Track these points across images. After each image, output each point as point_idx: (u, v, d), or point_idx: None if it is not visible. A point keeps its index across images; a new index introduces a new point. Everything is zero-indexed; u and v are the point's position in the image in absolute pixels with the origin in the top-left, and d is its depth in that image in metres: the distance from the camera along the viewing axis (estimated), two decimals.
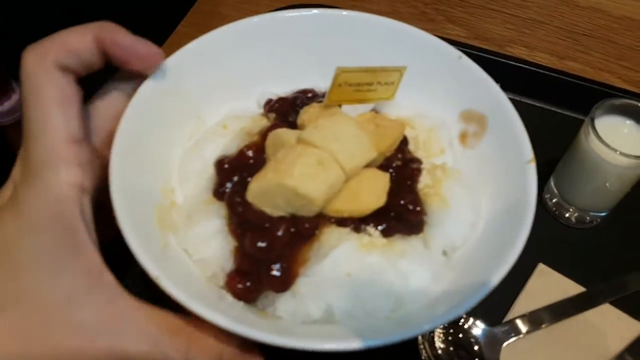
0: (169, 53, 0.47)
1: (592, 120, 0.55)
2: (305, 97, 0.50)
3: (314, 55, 0.53)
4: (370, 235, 0.42)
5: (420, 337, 0.52)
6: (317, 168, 0.39)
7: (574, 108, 0.71)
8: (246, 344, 0.39)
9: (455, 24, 0.91)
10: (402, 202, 0.43)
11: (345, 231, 0.41)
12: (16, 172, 0.38)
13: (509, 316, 0.57)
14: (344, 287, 0.40)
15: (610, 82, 0.79)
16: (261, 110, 0.52)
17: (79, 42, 0.38)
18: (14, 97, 0.68)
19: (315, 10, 0.52)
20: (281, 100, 0.50)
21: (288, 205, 0.40)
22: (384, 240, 0.42)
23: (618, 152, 0.53)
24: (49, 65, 0.37)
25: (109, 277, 0.37)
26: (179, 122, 0.49)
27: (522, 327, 0.55)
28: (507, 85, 0.74)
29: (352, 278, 0.40)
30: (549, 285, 0.59)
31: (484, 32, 0.89)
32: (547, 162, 0.66)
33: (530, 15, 0.89)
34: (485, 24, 0.90)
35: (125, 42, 0.40)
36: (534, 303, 0.57)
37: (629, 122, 0.58)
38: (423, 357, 0.51)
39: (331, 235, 0.40)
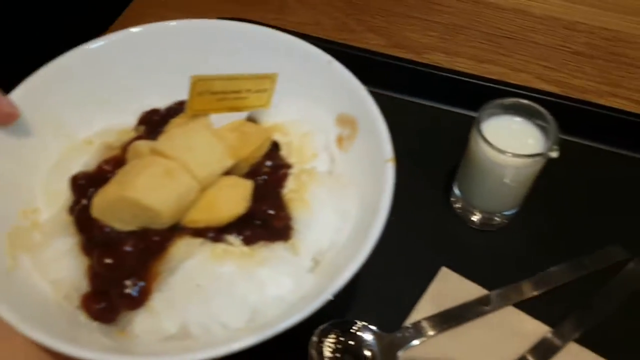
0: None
1: (479, 123, 0.55)
2: (179, 109, 0.50)
3: (192, 66, 0.52)
4: (231, 244, 0.41)
5: (309, 348, 0.50)
6: (164, 179, 0.38)
7: (472, 108, 0.71)
8: None
9: (375, 33, 0.92)
10: (264, 207, 0.42)
11: (197, 242, 0.40)
12: None
13: (409, 321, 0.56)
14: (196, 300, 0.39)
15: (528, 82, 0.80)
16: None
17: None
18: None
19: (184, 22, 0.52)
20: (153, 111, 0.49)
21: (136, 219, 0.39)
22: (245, 249, 0.41)
23: (509, 154, 0.53)
24: None
25: None
26: (44, 143, 0.47)
27: (422, 331, 0.54)
28: (411, 88, 0.75)
29: (203, 290, 0.39)
30: (451, 288, 0.58)
31: (403, 39, 0.90)
32: (453, 167, 0.66)
33: (452, 20, 0.89)
34: (405, 32, 0.90)
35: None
36: (435, 307, 0.56)
37: (518, 119, 0.58)
38: None
39: (180, 247, 0.39)
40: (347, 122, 0.49)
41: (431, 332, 0.54)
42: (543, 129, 0.56)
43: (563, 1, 0.92)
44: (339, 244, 0.43)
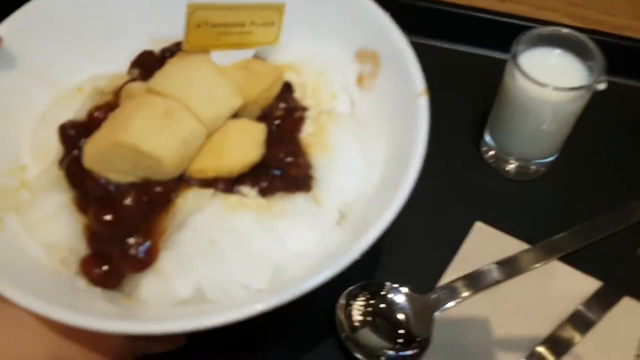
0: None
1: (515, 56, 0.49)
2: (175, 49, 0.44)
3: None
4: (245, 196, 0.36)
5: (337, 311, 0.46)
6: (163, 120, 0.33)
7: (500, 49, 0.64)
8: None
9: None
10: (280, 154, 0.37)
11: (207, 192, 0.35)
12: None
13: (443, 281, 0.51)
14: (210, 258, 0.34)
15: (557, 21, 0.73)
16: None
17: None
18: None
19: None
20: (146, 52, 0.43)
21: (135, 168, 0.34)
22: (262, 201, 0.36)
23: (551, 87, 0.47)
24: None
25: None
26: (30, 94, 0.42)
27: (458, 291, 0.49)
28: (437, 32, 0.69)
29: (217, 246, 0.34)
30: (487, 244, 0.53)
31: None
32: (482, 113, 0.60)
33: None
34: None
35: None
36: (471, 265, 0.51)
37: (557, 52, 0.51)
38: (339, 331, 0.45)
39: (187, 199, 0.34)
40: (368, 57, 0.43)
41: (468, 292, 0.49)
42: (585, 61, 0.50)
43: None
44: (367, 195, 0.38)
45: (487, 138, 0.58)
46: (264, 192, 0.37)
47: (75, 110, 0.40)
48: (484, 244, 0.54)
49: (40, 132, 0.41)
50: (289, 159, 0.36)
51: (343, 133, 0.38)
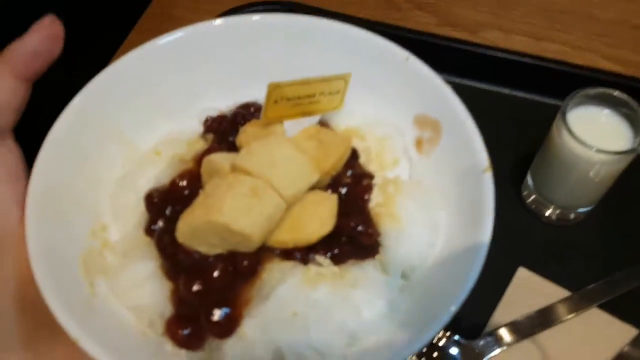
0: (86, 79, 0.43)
1: (564, 114, 0.51)
2: (246, 113, 0.47)
3: (254, 64, 0.49)
4: (320, 264, 0.39)
5: None
6: (251, 200, 0.36)
7: (553, 95, 0.67)
8: None
9: (423, 11, 0.87)
10: (352, 224, 0.39)
11: (289, 265, 0.37)
12: None
13: (489, 327, 0.53)
14: (292, 327, 0.36)
15: (593, 62, 0.75)
16: (202, 129, 0.48)
17: (5, 92, 0.36)
18: None
19: (250, 16, 0.48)
20: (220, 118, 0.46)
21: (224, 242, 0.36)
22: (335, 269, 0.39)
23: (594, 150, 0.49)
24: None
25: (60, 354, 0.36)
26: (107, 152, 0.44)
27: (504, 338, 0.52)
28: (481, 75, 0.71)
29: (300, 318, 0.36)
30: (530, 290, 0.56)
31: (454, 17, 0.85)
32: (524, 156, 0.62)
33: None
34: (455, 8, 0.85)
35: (35, 46, 0.36)
36: (515, 311, 0.54)
37: (605, 112, 0.54)
38: None
39: (273, 271, 0.37)
40: (427, 124, 0.45)
41: (513, 339, 0.52)
42: (632, 123, 0.52)
43: None
44: (430, 260, 0.40)
45: (529, 182, 0.61)
46: (336, 260, 0.39)
47: (155, 175, 0.43)
48: (527, 290, 0.56)
49: (119, 192, 0.43)
50: (361, 228, 0.39)
51: (410, 202, 0.41)
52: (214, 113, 0.48)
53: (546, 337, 0.53)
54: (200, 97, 0.49)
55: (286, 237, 0.37)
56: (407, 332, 0.36)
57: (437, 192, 0.43)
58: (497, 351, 0.51)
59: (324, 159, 0.40)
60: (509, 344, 0.52)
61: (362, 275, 0.39)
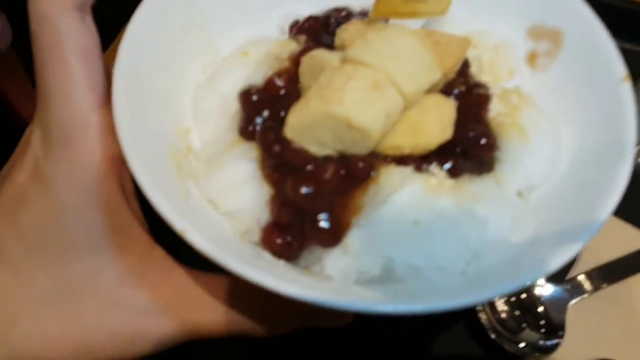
0: None
1: None
2: (339, 16, 0.42)
3: None
4: (434, 175, 0.35)
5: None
6: (372, 93, 0.32)
7: None
8: None
9: None
10: (470, 134, 0.35)
11: (408, 171, 0.34)
12: (35, 142, 0.33)
13: (574, 272, 0.50)
14: (409, 238, 0.33)
15: None
16: (286, 36, 0.43)
17: None
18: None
19: None
20: (312, 19, 0.41)
21: (336, 141, 0.32)
22: (451, 182, 0.35)
23: None
24: (67, 8, 0.31)
25: (158, 252, 0.34)
26: (188, 51, 0.40)
27: (589, 284, 0.49)
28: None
29: (420, 227, 0.33)
30: (617, 236, 0.52)
31: None
32: None
33: None
34: None
35: None
36: (601, 256, 0.51)
37: None
38: (483, 322, 0.45)
39: (391, 176, 0.33)
40: (545, 35, 0.41)
41: (598, 286, 0.49)
42: None
43: None
44: (554, 182, 0.37)
45: None
46: (451, 173, 0.35)
47: (245, 74, 0.39)
48: (611, 236, 0.53)
49: (204, 94, 0.39)
50: (483, 141, 0.35)
51: (538, 115, 0.37)
52: (299, 18, 0.43)
53: (631, 284, 0.50)
54: (280, 3, 0.44)
55: (404, 140, 0.33)
56: (532, 257, 0.32)
57: (559, 109, 0.39)
58: (580, 297, 0.48)
59: (441, 58, 0.36)
60: (592, 291, 0.49)
61: (485, 191, 0.35)
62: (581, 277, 0.49)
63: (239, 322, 0.34)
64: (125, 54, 0.34)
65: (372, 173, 0.33)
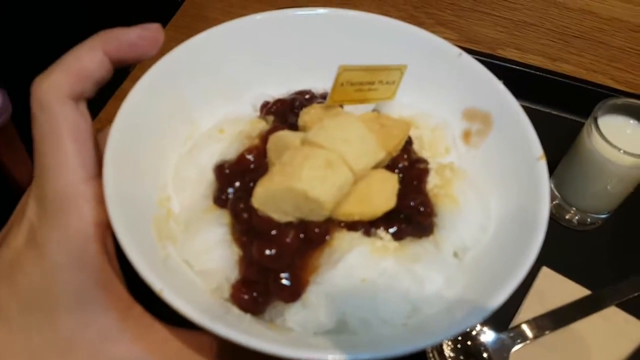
0: (155, 57, 0.45)
1: (596, 119, 0.55)
2: (303, 99, 0.49)
3: (308, 56, 0.51)
4: (381, 238, 0.41)
5: (430, 347, 0.50)
6: (326, 170, 0.38)
7: (571, 110, 0.71)
8: None
9: (445, 27, 0.91)
10: (412, 203, 0.41)
11: (357, 235, 0.39)
12: (30, 210, 0.37)
13: (516, 321, 0.56)
14: (359, 294, 0.38)
15: (604, 83, 0.80)
16: (257, 114, 0.50)
17: (92, 63, 0.37)
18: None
19: (307, 10, 0.51)
20: (279, 102, 0.48)
21: (296, 210, 0.38)
22: (395, 244, 0.41)
23: (622, 151, 0.53)
24: (64, 97, 0.36)
25: (138, 309, 0.37)
26: (172, 128, 0.46)
27: (529, 332, 0.54)
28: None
29: (367, 284, 0.38)
30: (553, 288, 0.59)
31: (474, 34, 0.89)
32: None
33: (520, 17, 0.89)
34: (475, 27, 0.90)
35: (134, 39, 0.39)
36: (539, 307, 0.57)
37: (632, 122, 0.58)
38: None
39: (343, 240, 0.39)
40: (477, 117, 0.48)
41: (538, 333, 0.54)
42: None
43: (628, 4, 0.92)
44: (483, 244, 0.43)
45: (552, 189, 0.64)
46: (395, 236, 0.41)
47: (220, 149, 0.45)
48: (550, 288, 0.59)
49: (184, 166, 0.45)
50: (422, 208, 0.41)
51: (466, 187, 0.43)
52: (268, 99, 0.50)
53: (567, 332, 0.56)
54: (253, 85, 0.51)
55: (353, 209, 0.39)
56: (464, 308, 0.38)
57: (487, 180, 0.45)
58: (522, 345, 0.53)
59: (387, 139, 0.42)
60: (532, 338, 0.54)
61: (422, 251, 0.41)
62: (523, 326, 0.54)
63: None
64: (115, 134, 0.39)
65: (327, 237, 0.39)
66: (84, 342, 0.35)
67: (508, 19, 0.91)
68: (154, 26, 0.40)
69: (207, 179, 0.44)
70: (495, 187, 0.45)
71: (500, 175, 0.45)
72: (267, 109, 0.48)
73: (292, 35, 0.50)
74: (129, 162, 0.40)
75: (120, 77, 0.84)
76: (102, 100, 0.79)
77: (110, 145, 0.39)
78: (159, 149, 0.45)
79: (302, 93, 0.50)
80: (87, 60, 0.37)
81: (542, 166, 0.42)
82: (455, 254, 0.43)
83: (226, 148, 0.44)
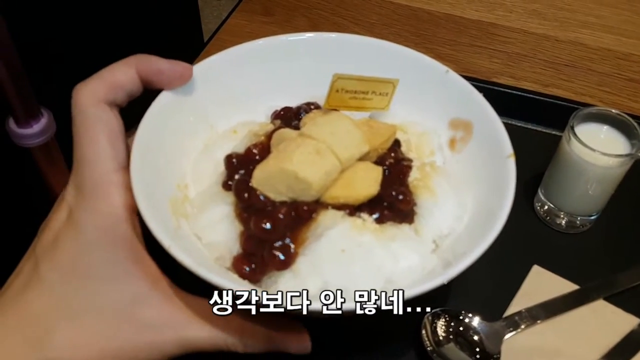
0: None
1: (572, 127, 0.61)
2: (308, 108, 0.56)
3: (316, 73, 0.59)
4: (364, 220, 0.46)
5: (423, 328, 0.55)
6: (315, 156, 0.44)
7: (561, 127, 0.76)
8: (289, 326, 0.44)
9: (444, 60, 0.98)
10: (393, 192, 0.47)
11: (340, 214, 0.45)
12: (70, 196, 0.43)
13: (507, 313, 0.59)
14: (339, 264, 0.44)
15: (593, 104, 0.85)
16: (268, 121, 0.58)
17: (125, 77, 0.44)
18: (43, 121, 0.71)
19: (314, 34, 0.59)
20: (286, 109, 0.56)
21: (289, 190, 0.45)
22: (376, 225, 0.46)
23: (597, 152, 0.58)
24: (99, 102, 0.43)
25: (165, 281, 0.42)
26: (193, 131, 0.54)
27: (520, 322, 0.58)
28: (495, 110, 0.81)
29: (345, 254, 0.44)
30: (544, 284, 0.62)
31: (471, 65, 0.96)
32: (535, 176, 0.71)
33: (515, 50, 0.96)
34: (472, 59, 0.96)
35: (164, 67, 0.47)
36: (530, 301, 0.60)
37: (605, 128, 0.64)
38: (425, 344, 0.54)
39: (327, 217, 0.45)
40: (460, 126, 0.54)
41: (529, 322, 0.58)
42: (628, 137, 0.62)
43: (615, 35, 0.98)
44: (457, 232, 0.48)
45: (541, 196, 0.69)
46: (377, 220, 0.47)
47: (233, 146, 0.52)
48: (541, 284, 0.62)
49: (201, 160, 0.53)
50: (400, 197, 0.47)
51: (444, 181, 0.49)
52: (279, 109, 0.58)
53: (557, 322, 0.59)
54: (266, 98, 0.59)
55: (338, 193, 0.45)
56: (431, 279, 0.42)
57: (466, 179, 0.51)
58: (513, 333, 0.57)
59: (374, 137, 0.49)
60: (523, 328, 0.57)
61: (400, 233, 0.46)
62: (516, 317, 0.58)
63: (222, 339, 0.42)
64: (142, 131, 0.47)
65: (314, 215, 0.45)
66: (118, 305, 0.41)
67: (503, 52, 0.97)
68: (184, 64, 0.48)
69: (220, 171, 0.51)
70: (472, 182, 0.50)
71: (476, 174, 0.50)
72: (276, 115, 0.56)
73: (299, 56, 0.58)
74: (152, 155, 0.47)
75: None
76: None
77: (137, 140, 0.46)
78: (180, 147, 0.52)
79: (308, 103, 0.57)
80: (121, 73, 0.44)
81: (511, 162, 0.47)
82: (435, 242, 0.48)
83: (237, 144, 0.52)
